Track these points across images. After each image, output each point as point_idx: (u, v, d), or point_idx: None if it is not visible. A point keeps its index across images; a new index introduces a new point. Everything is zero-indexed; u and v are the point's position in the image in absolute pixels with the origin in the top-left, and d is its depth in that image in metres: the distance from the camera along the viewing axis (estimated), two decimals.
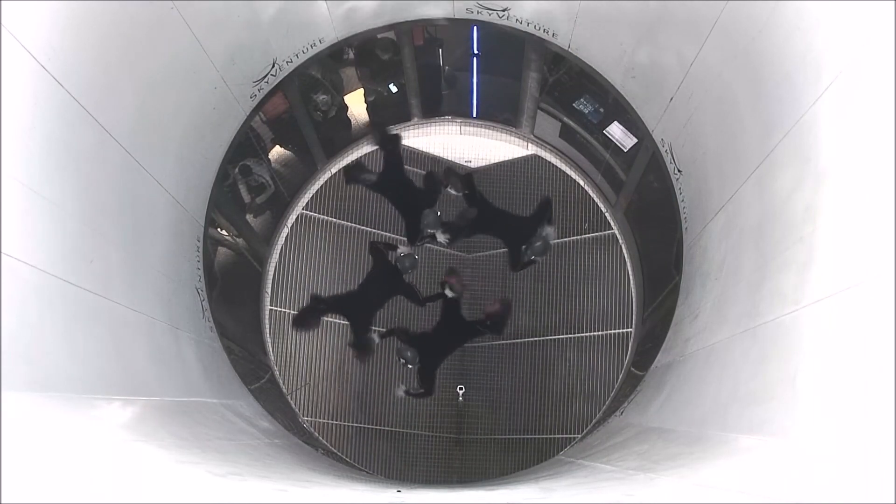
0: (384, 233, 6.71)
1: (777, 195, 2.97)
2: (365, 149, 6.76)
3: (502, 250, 6.62)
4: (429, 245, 6.28)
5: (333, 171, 6.71)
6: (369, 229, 6.71)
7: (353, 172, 5.42)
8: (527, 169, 6.70)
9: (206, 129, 4.64)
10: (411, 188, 5.41)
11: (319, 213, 6.64)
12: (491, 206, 5.34)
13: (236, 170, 5.79)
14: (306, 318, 5.21)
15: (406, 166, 6.61)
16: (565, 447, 6.01)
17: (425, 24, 5.77)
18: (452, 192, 5.26)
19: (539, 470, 5.19)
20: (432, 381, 5.36)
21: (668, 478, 2.64)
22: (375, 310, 5.34)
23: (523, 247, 5.16)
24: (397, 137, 5.47)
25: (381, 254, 5.27)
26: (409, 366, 5.22)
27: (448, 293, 5.21)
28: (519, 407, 6.53)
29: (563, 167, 6.63)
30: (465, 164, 6.86)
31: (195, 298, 4.65)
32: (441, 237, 5.27)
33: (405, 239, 5.58)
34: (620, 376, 6.16)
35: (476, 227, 5.36)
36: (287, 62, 5.13)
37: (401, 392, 5.70)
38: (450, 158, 6.88)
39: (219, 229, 5.62)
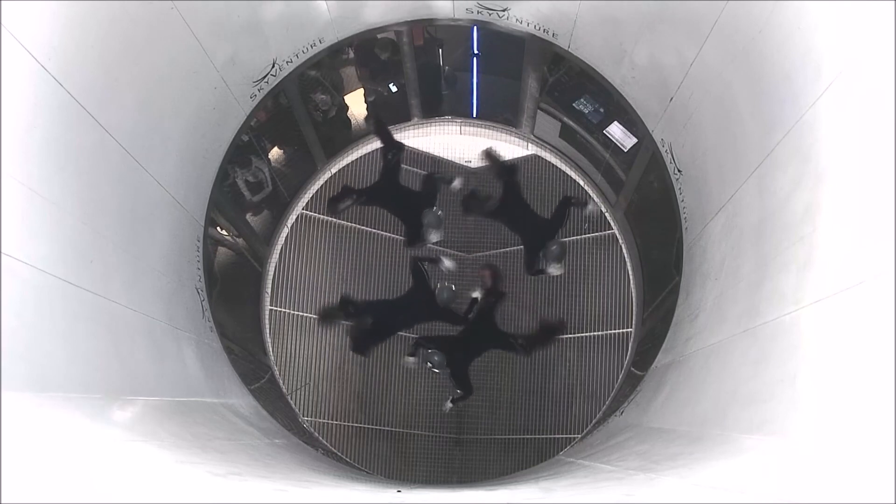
0: (384, 233, 6.70)
1: (777, 195, 2.97)
2: (364, 149, 6.76)
3: (502, 250, 6.64)
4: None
5: (333, 171, 6.71)
6: (369, 229, 6.71)
7: (336, 202, 5.36)
8: (527, 169, 6.69)
9: (206, 129, 4.64)
10: (406, 191, 5.40)
11: (319, 213, 6.64)
12: (522, 200, 5.37)
13: (236, 170, 5.79)
14: (331, 316, 5.18)
15: (406, 166, 6.62)
16: (565, 447, 6.01)
17: (425, 24, 5.77)
18: (456, 185, 5.36)
19: (539, 470, 5.18)
20: (467, 380, 5.29)
21: (668, 478, 2.64)
22: (403, 329, 5.33)
23: (541, 253, 5.21)
24: (400, 145, 5.45)
25: (423, 275, 5.17)
26: (437, 370, 5.13)
27: (476, 294, 5.16)
28: (519, 407, 6.52)
29: (563, 167, 6.63)
30: (465, 164, 6.86)
31: (195, 298, 4.65)
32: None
33: (448, 251, 5.55)
34: (620, 376, 6.15)
35: (498, 213, 5.38)
36: (287, 62, 5.13)
37: (448, 407, 5.58)
38: (450, 158, 6.88)
39: (219, 229, 5.62)
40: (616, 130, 5.62)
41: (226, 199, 5.48)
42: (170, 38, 3.72)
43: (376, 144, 6.79)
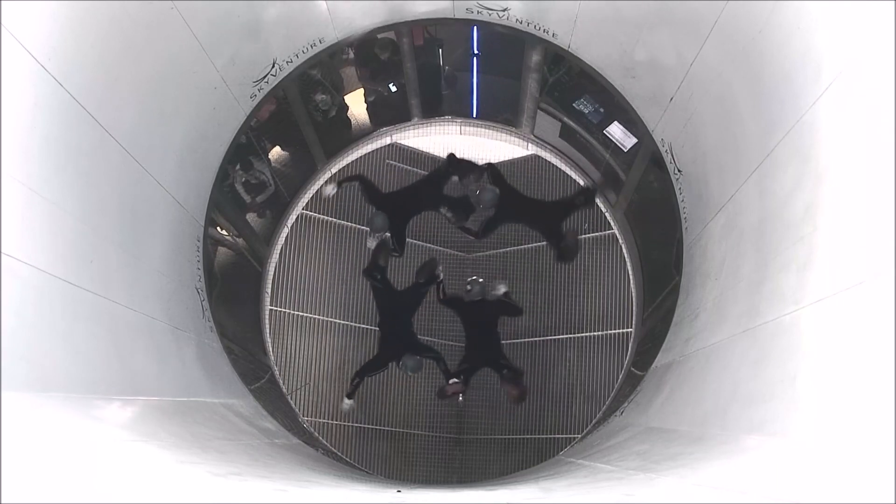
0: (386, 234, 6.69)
1: (777, 195, 2.98)
2: (364, 149, 6.75)
3: (502, 250, 6.64)
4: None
5: (333, 171, 6.70)
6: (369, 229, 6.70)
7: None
8: (527, 169, 6.69)
9: (206, 129, 4.64)
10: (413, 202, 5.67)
11: (319, 213, 6.64)
12: (519, 195, 5.55)
13: (236, 170, 5.79)
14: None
15: (405, 165, 6.63)
16: (565, 447, 6.01)
17: (425, 24, 5.76)
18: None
19: (539, 470, 5.18)
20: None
21: (668, 478, 2.64)
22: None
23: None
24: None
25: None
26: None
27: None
28: (519, 407, 6.51)
29: (563, 167, 6.63)
30: None
31: (195, 298, 4.65)
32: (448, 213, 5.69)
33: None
34: (620, 376, 6.15)
35: (503, 217, 5.55)
36: (287, 62, 5.13)
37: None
38: None
39: (219, 229, 5.62)
40: (616, 130, 5.63)
41: (226, 199, 5.48)
42: (170, 38, 3.72)
43: (376, 144, 6.80)
